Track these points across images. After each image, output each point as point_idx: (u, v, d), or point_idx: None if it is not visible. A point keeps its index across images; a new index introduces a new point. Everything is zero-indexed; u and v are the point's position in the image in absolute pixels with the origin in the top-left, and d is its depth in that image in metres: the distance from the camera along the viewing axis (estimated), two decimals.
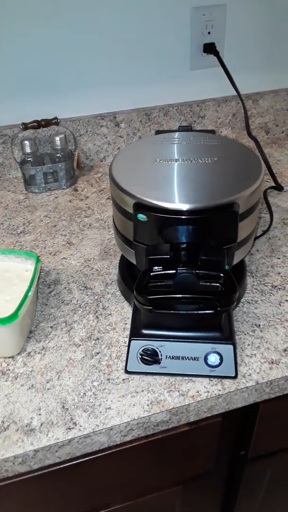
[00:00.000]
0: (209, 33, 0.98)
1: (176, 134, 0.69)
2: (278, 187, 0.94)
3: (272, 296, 0.71)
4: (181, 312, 0.52)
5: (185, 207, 0.54)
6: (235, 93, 0.98)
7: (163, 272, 0.52)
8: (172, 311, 0.51)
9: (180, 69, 1.02)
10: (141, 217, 0.56)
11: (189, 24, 0.97)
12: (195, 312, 0.51)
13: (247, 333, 0.65)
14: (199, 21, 0.97)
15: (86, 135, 1.03)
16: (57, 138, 0.95)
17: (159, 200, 0.55)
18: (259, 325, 0.66)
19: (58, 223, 0.90)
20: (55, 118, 0.95)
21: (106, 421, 0.56)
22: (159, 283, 0.53)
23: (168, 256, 0.53)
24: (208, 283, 0.52)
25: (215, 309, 0.50)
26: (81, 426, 0.55)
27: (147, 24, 0.96)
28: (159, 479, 0.70)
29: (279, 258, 0.78)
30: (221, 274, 0.51)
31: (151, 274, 0.52)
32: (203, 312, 0.50)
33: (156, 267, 0.52)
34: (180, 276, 0.51)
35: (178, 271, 0.51)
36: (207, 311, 0.50)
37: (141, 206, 0.56)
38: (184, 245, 0.54)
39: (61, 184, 0.99)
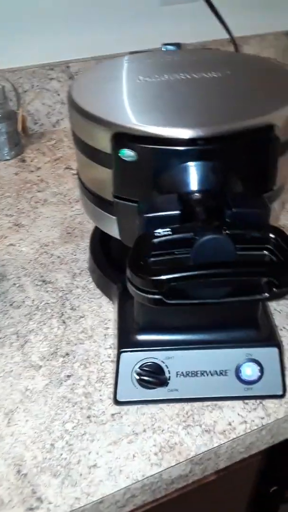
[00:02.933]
0: None
1: (161, 52, 0.49)
2: None
3: None
4: (211, 301, 0.30)
5: (196, 132, 0.34)
6: (217, 36, 0.80)
7: (172, 236, 0.31)
8: (198, 301, 0.30)
9: (147, 4, 0.82)
10: (126, 154, 0.35)
11: None
12: (236, 299, 0.30)
13: (285, 328, 0.45)
14: None
15: (31, 91, 0.80)
16: None
17: (154, 125, 0.34)
18: None
19: (1, 201, 0.66)
20: None
21: (91, 489, 0.34)
22: (167, 257, 0.31)
23: (178, 212, 0.33)
24: (248, 251, 0.31)
25: (270, 290, 0.29)
26: (50, 502, 0.33)
27: None
28: None
29: None
30: (271, 235, 0.31)
31: (154, 241, 0.31)
32: (249, 298, 0.30)
33: (160, 230, 0.31)
34: (203, 241, 0.30)
35: (199, 233, 0.31)
36: (257, 296, 0.29)
37: (124, 137, 0.35)
38: (201, 194, 0.34)
39: (3, 153, 0.75)
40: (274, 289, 0.29)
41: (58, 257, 0.56)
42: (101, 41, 0.82)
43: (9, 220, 0.62)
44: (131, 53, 0.51)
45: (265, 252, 0.31)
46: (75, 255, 0.56)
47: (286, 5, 0.91)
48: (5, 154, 0.76)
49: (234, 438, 0.37)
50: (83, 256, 0.56)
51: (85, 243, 0.57)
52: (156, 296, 0.29)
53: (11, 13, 0.75)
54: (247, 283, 0.31)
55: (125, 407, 0.39)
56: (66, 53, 0.81)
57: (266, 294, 0.29)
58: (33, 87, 0.80)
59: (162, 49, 0.51)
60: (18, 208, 0.65)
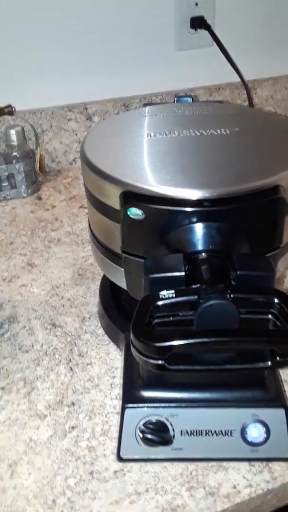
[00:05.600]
0: (196, 4, 0.81)
1: (173, 105, 0.50)
2: None
3: None
4: (213, 368, 0.30)
5: (203, 193, 0.34)
6: (229, 79, 0.81)
7: (176, 299, 0.31)
8: (200, 367, 0.30)
9: (163, 49, 0.84)
10: (134, 213, 0.36)
11: None
12: (238, 367, 0.30)
13: None
14: None
15: (50, 131, 0.83)
16: (13, 132, 0.74)
17: (162, 185, 0.35)
18: None
19: (16, 239, 0.68)
20: (9, 106, 0.74)
21: None
22: (171, 318, 0.32)
23: (182, 274, 0.33)
24: (252, 315, 0.31)
25: (273, 358, 0.29)
26: None
27: None
28: None
29: None
30: (275, 299, 0.31)
31: (157, 304, 0.31)
32: (251, 366, 0.30)
33: (164, 292, 0.32)
34: (207, 306, 0.30)
35: (202, 296, 0.31)
36: (260, 364, 0.29)
37: (132, 196, 0.36)
38: (207, 255, 0.34)
39: (20, 191, 0.77)
40: (277, 357, 0.29)
41: (69, 299, 0.56)
42: (118, 84, 0.84)
43: (22, 260, 0.64)
44: (145, 104, 0.52)
45: (270, 316, 0.31)
46: (85, 298, 0.56)
47: None
48: (22, 192, 0.78)
49: (238, 503, 0.36)
50: (93, 299, 0.56)
51: (96, 286, 0.58)
52: (159, 362, 0.29)
53: (31, 57, 0.78)
54: (257, 349, 0.31)
55: (128, 464, 0.39)
56: (84, 95, 0.83)
57: (269, 363, 0.29)
58: (52, 127, 0.83)
59: (175, 100, 0.53)
60: (32, 248, 0.66)
